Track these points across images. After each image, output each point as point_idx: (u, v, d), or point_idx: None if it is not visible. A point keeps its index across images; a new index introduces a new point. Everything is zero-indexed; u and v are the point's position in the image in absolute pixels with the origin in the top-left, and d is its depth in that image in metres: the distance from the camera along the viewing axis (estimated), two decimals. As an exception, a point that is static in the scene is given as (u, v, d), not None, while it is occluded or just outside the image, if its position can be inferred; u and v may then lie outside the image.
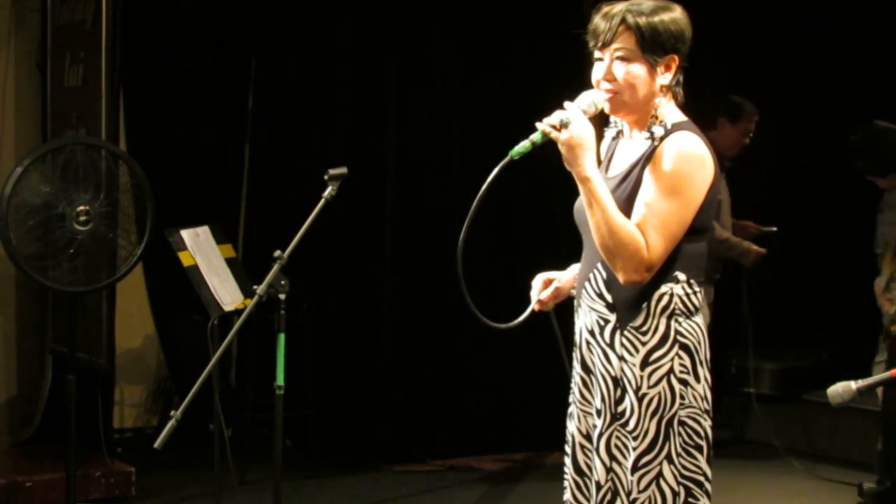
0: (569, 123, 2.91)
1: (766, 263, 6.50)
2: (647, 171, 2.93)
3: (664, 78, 2.98)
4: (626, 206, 2.94)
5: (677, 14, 2.99)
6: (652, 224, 2.88)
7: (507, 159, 2.96)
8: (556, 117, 2.93)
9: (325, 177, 4.08)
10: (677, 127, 2.97)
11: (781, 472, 6.54)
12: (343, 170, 4.10)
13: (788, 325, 7.90)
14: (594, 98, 2.99)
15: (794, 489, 6.30)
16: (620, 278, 2.91)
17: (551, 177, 6.86)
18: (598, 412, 3.04)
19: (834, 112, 7.58)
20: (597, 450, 3.05)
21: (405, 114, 6.76)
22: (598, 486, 3.06)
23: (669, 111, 3.01)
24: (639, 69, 2.96)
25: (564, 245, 6.89)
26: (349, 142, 6.68)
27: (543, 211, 6.76)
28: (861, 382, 2.83)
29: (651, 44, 2.95)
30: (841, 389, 2.85)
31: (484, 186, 2.97)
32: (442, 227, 6.80)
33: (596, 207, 2.89)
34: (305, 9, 6.92)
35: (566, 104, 2.97)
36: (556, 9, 6.97)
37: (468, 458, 6.64)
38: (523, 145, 2.94)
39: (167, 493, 6.00)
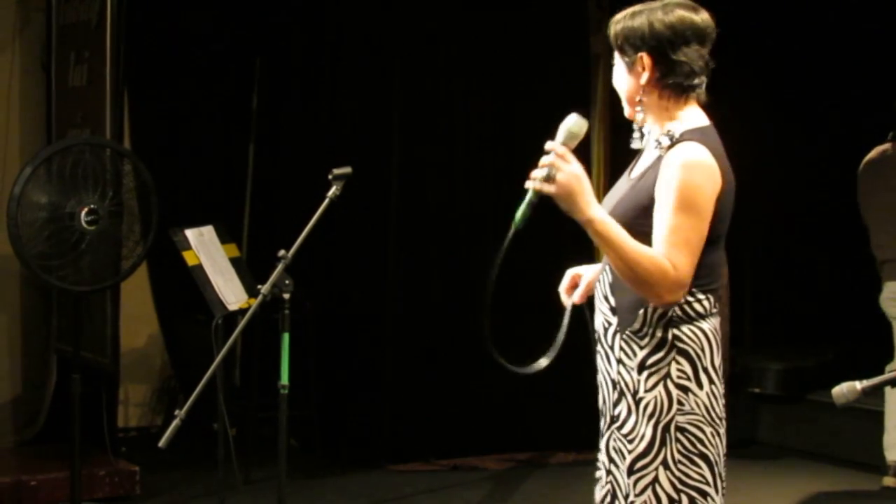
0: (555, 174, 2.82)
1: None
2: (657, 190, 2.89)
3: (643, 77, 2.96)
4: (634, 213, 2.91)
5: (661, 14, 2.96)
6: (674, 242, 2.83)
7: (512, 230, 2.86)
8: (541, 171, 2.84)
9: (329, 176, 4.08)
10: (685, 136, 2.92)
11: (786, 471, 6.54)
12: (347, 169, 4.11)
13: (793, 325, 7.90)
14: (569, 126, 2.90)
15: (799, 489, 6.30)
16: (656, 303, 2.87)
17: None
18: (601, 412, 3.06)
19: (844, 109, 7.57)
20: (600, 449, 3.07)
21: (409, 114, 6.76)
22: (602, 485, 3.07)
23: (689, 115, 2.97)
24: (620, 72, 3.01)
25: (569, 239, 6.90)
26: (353, 142, 6.69)
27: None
28: (866, 383, 2.82)
29: (623, 45, 2.98)
30: (846, 390, 2.84)
31: (498, 258, 2.87)
32: (446, 228, 6.82)
33: (608, 248, 2.83)
34: (309, 9, 6.93)
35: (548, 145, 2.87)
36: (560, 11, 6.97)
37: (472, 457, 6.64)
38: (523, 211, 2.85)
39: (171, 492, 6.01)
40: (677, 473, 2.91)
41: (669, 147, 2.91)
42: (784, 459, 6.72)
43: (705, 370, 2.93)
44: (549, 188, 2.82)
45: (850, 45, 7.57)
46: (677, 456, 2.91)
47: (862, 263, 6.71)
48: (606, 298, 3.01)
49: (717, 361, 2.96)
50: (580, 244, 6.68)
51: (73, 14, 6.21)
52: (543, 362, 3.17)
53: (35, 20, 6.62)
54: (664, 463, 2.90)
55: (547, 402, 6.56)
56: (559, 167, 2.82)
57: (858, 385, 2.82)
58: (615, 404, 2.98)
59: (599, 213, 2.83)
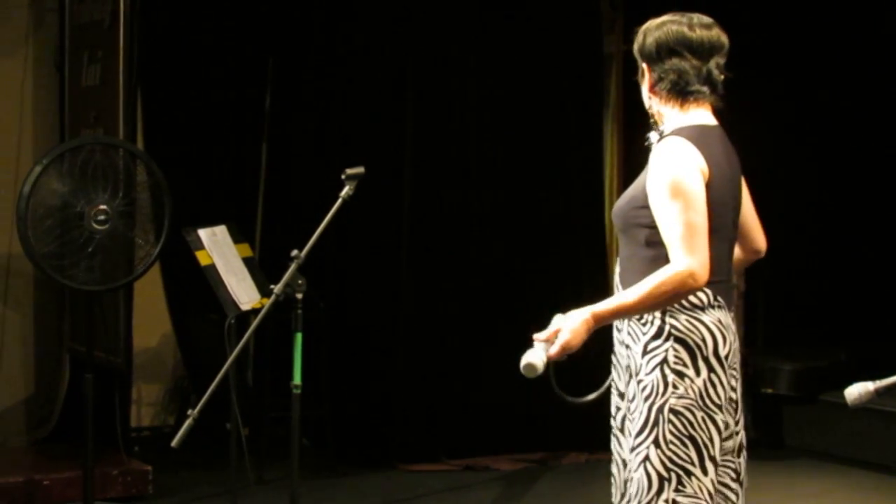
0: (566, 345, 3.04)
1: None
2: (648, 190, 3.10)
3: (644, 84, 3.25)
4: (629, 205, 3.17)
5: (655, 30, 3.21)
6: (679, 235, 3.02)
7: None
8: (561, 350, 3.07)
9: (343, 176, 4.09)
10: (673, 132, 3.15)
11: (794, 472, 6.52)
12: (360, 169, 4.11)
13: (805, 325, 7.87)
14: (525, 374, 3.12)
15: (808, 490, 6.28)
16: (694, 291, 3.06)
17: (572, 175, 6.90)
18: (621, 395, 3.25)
19: (858, 107, 7.55)
20: (619, 428, 3.26)
21: (422, 113, 6.76)
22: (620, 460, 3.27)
23: (689, 116, 3.18)
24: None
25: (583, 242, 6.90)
26: (366, 141, 6.68)
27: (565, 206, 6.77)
28: (879, 383, 2.82)
29: (636, 56, 3.29)
30: (859, 390, 2.84)
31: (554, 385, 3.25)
32: (459, 227, 6.81)
33: (623, 314, 3.08)
34: (323, 9, 6.93)
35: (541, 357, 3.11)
36: (573, 9, 6.96)
37: (484, 457, 6.64)
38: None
39: (184, 491, 6.02)
40: (668, 453, 3.09)
41: (657, 142, 3.17)
42: (794, 460, 6.70)
43: (706, 359, 3.10)
44: (567, 350, 3.07)
45: (863, 42, 7.55)
46: (669, 437, 3.09)
47: (874, 263, 6.70)
48: (617, 288, 3.21)
49: (723, 353, 3.11)
50: (595, 278, 6.75)
51: (87, 14, 6.23)
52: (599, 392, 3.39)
53: (48, 20, 6.64)
54: (655, 441, 3.09)
55: (559, 403, 6.54)
56: (557, 346, 3.06)
57: (872, 386, 2.82)
58: (626, 384, 3.21)
59: (590, 308, 3.07)
